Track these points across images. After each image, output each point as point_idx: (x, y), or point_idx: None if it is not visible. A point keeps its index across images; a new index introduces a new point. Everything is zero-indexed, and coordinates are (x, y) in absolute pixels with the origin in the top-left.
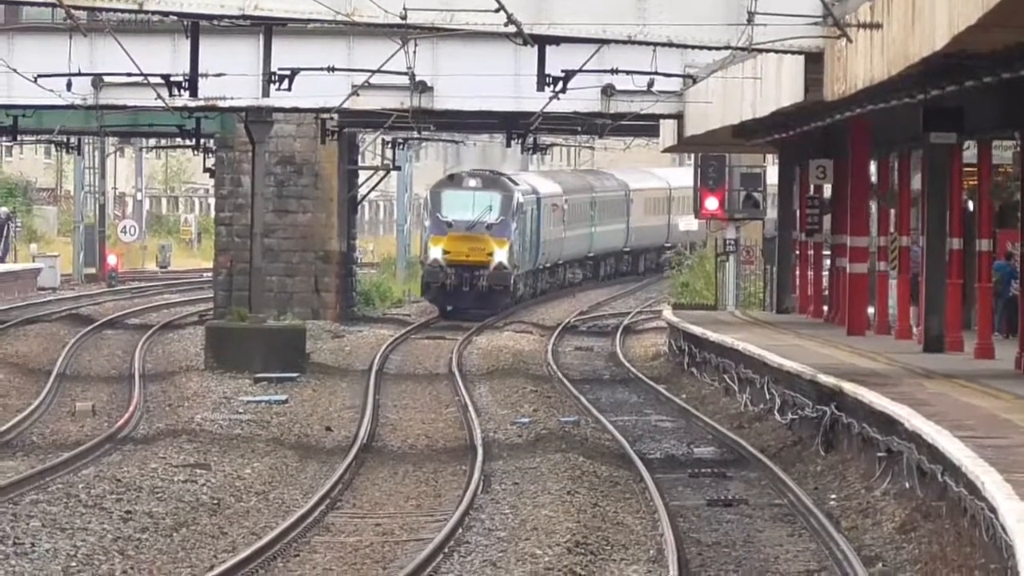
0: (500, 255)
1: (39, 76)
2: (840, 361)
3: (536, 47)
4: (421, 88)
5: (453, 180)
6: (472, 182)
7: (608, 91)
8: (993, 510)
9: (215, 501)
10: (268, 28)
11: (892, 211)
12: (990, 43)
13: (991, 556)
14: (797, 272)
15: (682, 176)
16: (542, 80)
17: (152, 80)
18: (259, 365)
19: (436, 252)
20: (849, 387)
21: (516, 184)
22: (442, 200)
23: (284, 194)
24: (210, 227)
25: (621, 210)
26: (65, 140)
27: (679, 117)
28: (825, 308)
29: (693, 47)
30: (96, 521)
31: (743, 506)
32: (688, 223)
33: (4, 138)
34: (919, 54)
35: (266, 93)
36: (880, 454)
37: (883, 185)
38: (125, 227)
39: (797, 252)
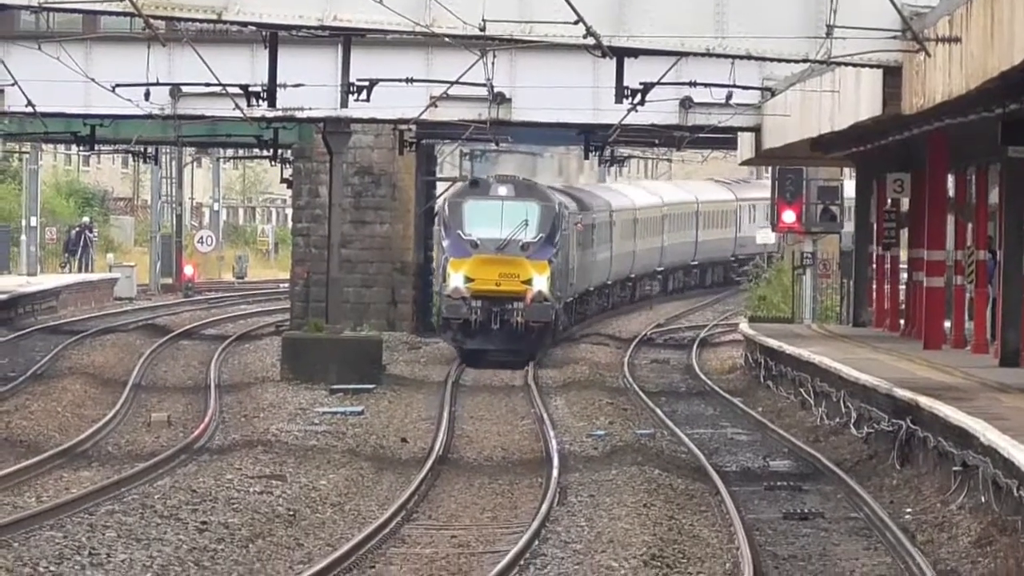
0: (539, 283)
1: (117, 86)
2: (916, 375)
3: (614, 59)
4: (499, 100)
5: (479, 187)
6: (503, 190)
7: (686, 103)
8: None
9: (291, 512)
10: (347, 39)
11: (969, 225)
12: None
13: None
14: (874, 286)
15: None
16: (620, 92)
17: (230, 90)
18: (335, 376)
19: (457, 280)
20: (925, 401)
21: (555, 194)
22: (464, 213)
23: (361, 205)
24: (287, 238)
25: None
26: (142, 150)
27: (757, 130)
28: (901, 322)
29: (771, 60)
30: (172, 532)
31: (819, 519)
32: (765, 235)
33: (82, 148)
34: (998, 68)
35: (344, 104)
36: (956, 468)
37: (960, 199)
38: (202, 237)
39: (874, 266)
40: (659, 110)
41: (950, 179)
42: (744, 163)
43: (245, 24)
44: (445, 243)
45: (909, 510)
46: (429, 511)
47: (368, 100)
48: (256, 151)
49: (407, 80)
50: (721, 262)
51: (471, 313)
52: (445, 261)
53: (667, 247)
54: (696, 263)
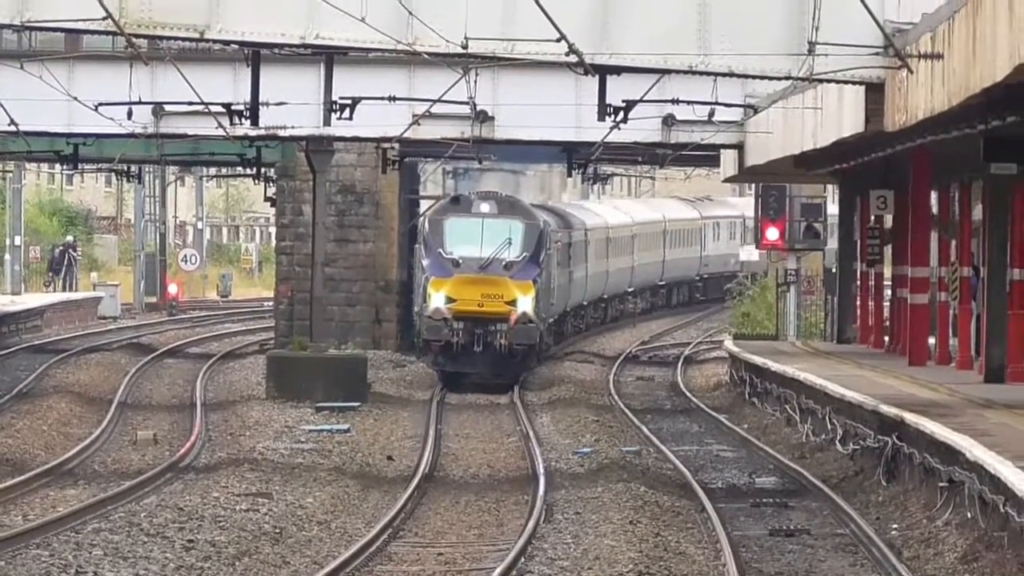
0: (524, 304)
1: (100, 104)
2: (901, 391)
3: (597, 77)
4: (482, 117)
5: (460, 204)
6: (485, 207)
7: (669, 121)
8: None
9: (277, 530)
10: (329, 57)
11: (952, 241)
12: None
13: None
14: (858, 302)
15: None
16: (603, 110)
17: (213, 109)
18: (320, 394)
19: (438, 300)
20: (911, 417)
21: (539, 211)
22: (445, 230)
23: (345, 223)
24: (271, 256)
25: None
26: (126, 169)
27: (740, 147)
28: (886, 338)
29: (754, 77)
30: (158, 550)
31: (805, 536)
32: (749, 253)
33: (65, 166)
34: (980, 85)
35: (327, 122)
36: (942, 484)
37: (943, 215)
38: (186, 256)
39: (858, 282)
40: (642, 127)
41: (933, 196)
42: (727, 180)
43: (227, 42)
44: (425, 262)
45: (895, 526)
46: (415, 529)
47: (351, 118)
48: (239, 169)
49: (390, 98)
50: (686, 282)
51: (453, 335)
52: (425, 280)
53: (637, 266)
54: (663, 283)
